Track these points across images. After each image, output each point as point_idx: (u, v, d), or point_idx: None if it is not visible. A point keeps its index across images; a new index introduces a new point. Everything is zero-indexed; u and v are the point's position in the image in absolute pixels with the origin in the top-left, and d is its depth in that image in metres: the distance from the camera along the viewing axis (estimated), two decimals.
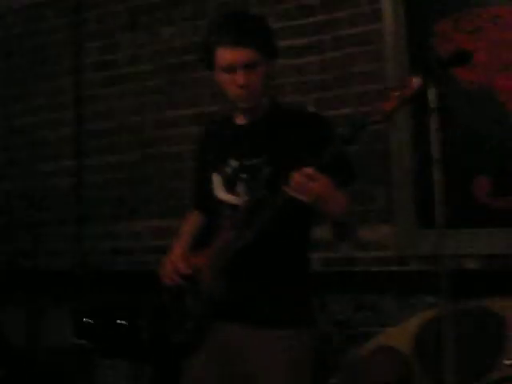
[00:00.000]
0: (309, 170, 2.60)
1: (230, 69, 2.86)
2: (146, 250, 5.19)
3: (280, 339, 2.86)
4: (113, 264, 5.35)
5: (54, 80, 5.79)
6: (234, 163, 2.98)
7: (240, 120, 3.04)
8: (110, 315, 4.58)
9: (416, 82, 2.66)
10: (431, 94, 2.76)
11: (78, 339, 4.67)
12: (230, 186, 2.98)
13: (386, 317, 4.23)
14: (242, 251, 2.85)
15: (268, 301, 2.90)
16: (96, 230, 5.46)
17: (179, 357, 3.12)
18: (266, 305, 2.90)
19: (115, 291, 5.05)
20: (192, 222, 3.29)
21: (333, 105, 4.49)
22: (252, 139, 2.98)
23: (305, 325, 2.95)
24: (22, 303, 5.48)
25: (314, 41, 4.65)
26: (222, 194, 3.02)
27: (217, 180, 3.03)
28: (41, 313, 5.45)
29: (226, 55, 2.85)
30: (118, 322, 4.44)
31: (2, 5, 6.03)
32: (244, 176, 2.94)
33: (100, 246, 5.43)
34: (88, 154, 5.57)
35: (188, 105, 5.12)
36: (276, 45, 2.99)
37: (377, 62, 4.38)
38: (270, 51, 2.93)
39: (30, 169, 5.86)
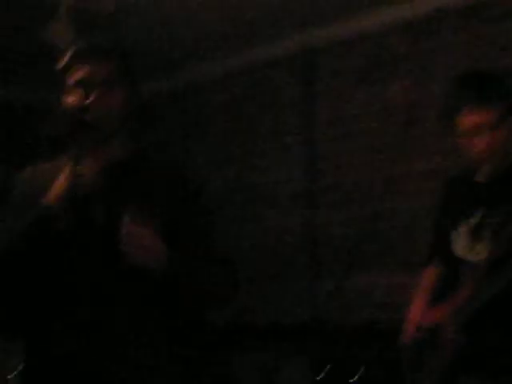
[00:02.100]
0: None
1: (472, 132, 2.85)
2: (379, 306, 5.17)
3: None
4: (346, 319, 5.36)
5: (286, 137, 5.95)
6: (474, 220, 2.94)
7: (480, 176, 2.99)
8: (343, 370, 4.59)
9: None
10: None
11: None
12: (471, 243, 2.95)
13: None
14: (484, 306, 2.80)
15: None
16: (329, 286, 5.50)
17: None
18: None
19: (347, 346, 5.07)
20: (431, 278, 3.25)
21: None
22: (494, 196, 2.93)
23: None
24: (257, 358, 5.56)
25: None
26: (460, 250, 2.99)
27: (456, 237, 3.00)
28: (277, 367, 5.52)
29: (468, 118, 2.85)
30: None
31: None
32: (485, 233, 2.89)
33: (333, 302, 5.46)
34: (321, 210, 5.65)
35: (418, 160, 5.10)
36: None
37: None
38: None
39: (265, 224, 6.01)
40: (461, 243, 2.98)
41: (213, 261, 2.45)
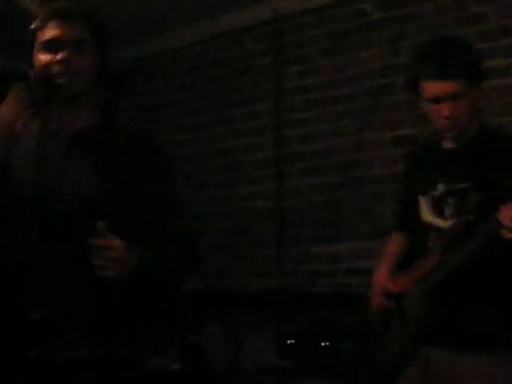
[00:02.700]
0: None
1: (436, 100, 2.85)
2: (347, 272, 5.22)
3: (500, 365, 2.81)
4: (313, 286, 5.40)
5: (254, 104, 5.94)
6: (441, 187, 2.96)
7: (447, 144, 3.01)
8: (312, 336, 4.62)
9: None
10: None
11: (280, 360, 4.74)
12: (437, 209, 2.96)
13: None
14: (450, 275, 2.83)
15: (478, 322, 2.85)
16: (296, 253, 5.54)
17: (382, 380, 3.13)
18: (476, 326, 2.85)
19: (316, 313, 5.10)
20: (396, 244, 3.28)
21: None
22: (460, 163, 2.94)
23: None
24: (223, 324, 5.60)
25: None
26: (428, 216, 3.00)
27: (424, 203, 3.02)
28: (243, 334, 5.55)
29: (432, 88, 2.84)
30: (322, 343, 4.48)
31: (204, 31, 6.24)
32: (452, 200, 2.92)
33: (300, 269, 5.50)
34: (288, 177, 5.67)
35: (388, 128, 5.12)
36: (482, 71, 2.93)
37: None
38: (477, 79, 2.90)
39: (231, 191, 6.02)
40: (427, 210, 3.00)
41: (173, 236, 2.47)
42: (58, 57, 2.34)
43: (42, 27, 2.40)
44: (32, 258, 2.31)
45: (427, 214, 3.00)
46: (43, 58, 2.37)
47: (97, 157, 2.41)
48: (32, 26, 2.43)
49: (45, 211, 2.33)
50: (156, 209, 2.46)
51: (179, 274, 2.58)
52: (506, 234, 2.61)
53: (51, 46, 2.37)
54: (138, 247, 2.31)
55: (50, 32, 2.38)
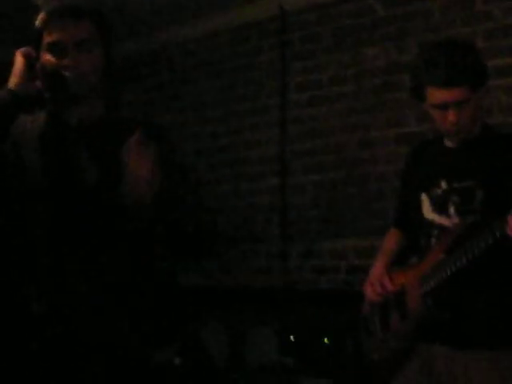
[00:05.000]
0: None
1: (442, 106, 2.84)
2: (350, 269, 5.22)
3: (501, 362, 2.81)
4: (316, 282, 5.41)
5: (259, 100, 5.94)
6: (444, 184, 2.95)
7: (450, 142, 3.01)
8: (314, 333, 4.62)
9: None
10: None
11: (282, 357, 4.74)
12: (439, 207, 2.95)
13: None
14: (454, 273, 2.82)
15: (480, 320, 2.85)
16: (300, 249, 5.54)
17: (379, 375, 3.13)
18: (478, 324, 2.85)
19: (318, 310, 5.10)
20: (393, 240, 3.28)
21: None
22: (463, 161, 2.94)
23: None
24: (225, 321, 5.60)
25: None
26: (430, 214, 2.99)
27: (425, 200, 3.02)
28: (244, 331, 5.56)
29: (437, 94, 2.82)
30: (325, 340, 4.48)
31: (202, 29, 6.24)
32: (455, 198, 2.91)
33: (304, 265, 5.50)
34: (292, 173, 5.66)
35: (393, 125, 5.12)
36: (487, 72, 2.91)
37: None
38: (482, 82, 2.88)
39: (235, 187, 6.02)
40: (429, 207, 3.00)
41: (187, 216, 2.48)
42: (65, 62, 2.34)
43: (47, 26, 2.39)
44: (39, 248, 2.32)
45: (429, 212, 2.99)
46: (50, 59, 2.37)
47: (103, 147, 2.42)
48: (37, 24, 2.42)
49: (52, 200, 2.34)
50: (166, 195, 2.45)
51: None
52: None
53: (57, 48, 2.37)
54: None
55: (56, 33, 2.37)
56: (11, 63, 2.35)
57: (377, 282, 3.09)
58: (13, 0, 5.34)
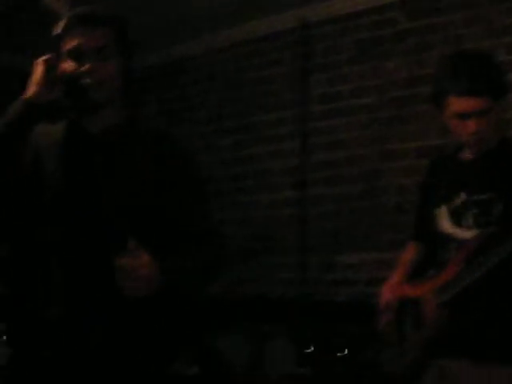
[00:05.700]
0: None
1: (462, 116, 2.85)
2: (369, 282, 5.20)
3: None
4: (334, 295, 5.39)
5: (279, 112, 5.94)
6: (461, 197, 2.95)
7: (468, 154, 3.00)
8: (332, 345, 4.61)
9: None
10: None
11: (300, 368, 4.73)
12: (457, 220, 2.95)
13: None
14: (472, 286, 2.81)
15: (497, 334, 2.83)
16: (318, 261, 5.53)
17: None
18: (495, 338, 2.83)
19: (337, 321, 5.09)
20: (411, 253, 3.27)
21: None
22: (482, 173, 2.94)
23: None
24: (245, 331, 5.59)
25: None
26: (448, 227, 2.99)
27: (443, 213, 3.01)
28: (264, 341, 5.55)
29: (459, 103, 2.83)
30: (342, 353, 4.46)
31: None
32: (473, 211, 2.90)
33: (322, 277, 5.49)
34: (311, 185, 5.66)
35: (414, 138, 5.10)
36: (508, 85, 2.92)
37: None
38: (503, 93, 2.89)
39: (254, 198, 6.02)
40: (447, 220, 2.99)
41: (197, 236, 2.46)
42: (84, 68, 2.35)
43: (66, 34, 2.41)
44: (53, 254, 2.33)
45: (447, 225, 2.99)
46: (69, 66, 2.39)
47: (122, 156, 2.43)
48: (56, 32, 2.44)
49: (71, 207, 2.35)
50: (182, 209, 2.46)
51: (204, 280, 2.58)
52: None
53: (76, 54, 2.39)
54: (157, 258, 2.28)
55: (75, 40, 2.39)
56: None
57: (392, 293, 3.09)
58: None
